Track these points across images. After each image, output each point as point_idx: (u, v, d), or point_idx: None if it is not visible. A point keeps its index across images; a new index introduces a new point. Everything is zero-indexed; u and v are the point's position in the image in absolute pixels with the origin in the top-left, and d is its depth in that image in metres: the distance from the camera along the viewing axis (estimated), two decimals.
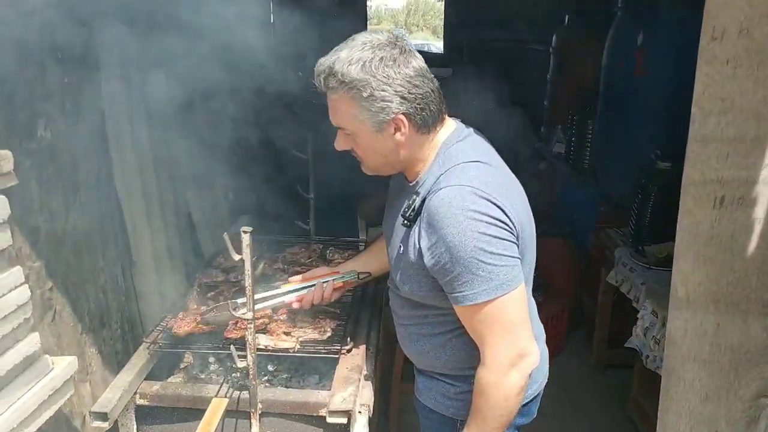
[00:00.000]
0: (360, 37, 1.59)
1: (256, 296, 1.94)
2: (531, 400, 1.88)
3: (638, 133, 3.74)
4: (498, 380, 1.59)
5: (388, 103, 1.56)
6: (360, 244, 3.08)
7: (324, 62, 1.58)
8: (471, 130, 1.77)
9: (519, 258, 1.60)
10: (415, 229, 1.63)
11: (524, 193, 1.75)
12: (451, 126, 1.73)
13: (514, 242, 1.59)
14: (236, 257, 1.69)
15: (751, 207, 1.53)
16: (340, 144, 1.70)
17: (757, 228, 1.55)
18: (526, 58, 7.07)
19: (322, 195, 3.08)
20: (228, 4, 3.51)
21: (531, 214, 1.74)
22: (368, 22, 9.79)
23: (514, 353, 1.59)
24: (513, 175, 1.75)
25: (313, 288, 2.10)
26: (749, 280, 1.58)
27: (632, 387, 3.56)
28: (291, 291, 2.12)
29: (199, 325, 2.16)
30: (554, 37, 5.51)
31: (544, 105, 5.90)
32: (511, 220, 1.57)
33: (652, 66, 3.56)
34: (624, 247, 3.51)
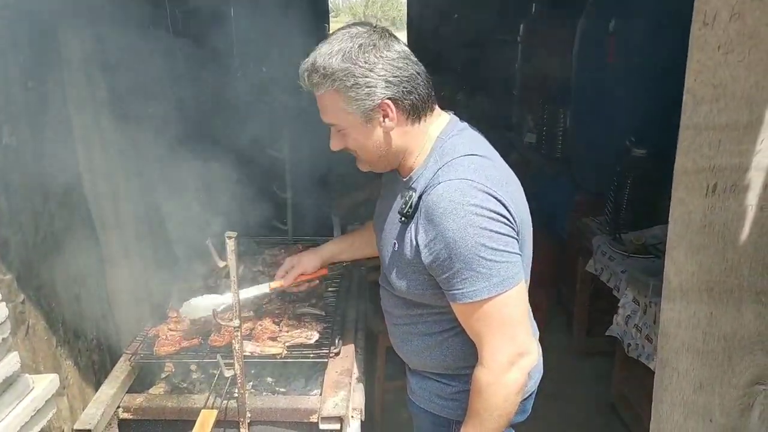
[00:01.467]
0: (339, 31, 1.59)
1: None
2: (526, 398, 1.85)
3: (611, 120, 3.74)
4: (497, 380, 1.56)
5: (373, 89, 1.54)
6: None
7: (307, 60, 1.58)
8: (466, 123, 1.73)
9: (519, 254, 1.58)
10: (412, 225, 1.59)
11: (521, 187, 1.72)
12: (444, 119, 1.70)
13: (514, 238, 1.56)
14: (221, 264, 1.63)
15: (743, 194, 1.53)
16: (335, 143, 1.67)
17: (750, 215, 1.55)
18: (493, 48, 7.05)
19: (297, 194, 3.03)
20: None
21: (528, 208, 1.71)
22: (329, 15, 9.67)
23: (514, 352, 1.56)
24: (510, 170, 1.72)
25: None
26: (742, 268, 1.59)
27: (614, 375, 3.58)
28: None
29: (180, 343, 2.09)
30: (522, 27, 5.50)
31: (512, 95, 5.89)
32: (512, 215, 1.54)
33: (624, 53, 3.56)
34: (602, 236, 3.52)
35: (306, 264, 2.16)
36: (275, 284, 2.12)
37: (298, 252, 2.74)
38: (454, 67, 7.71)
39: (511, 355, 1.56)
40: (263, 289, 2.11)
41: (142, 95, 2.82)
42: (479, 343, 1.59)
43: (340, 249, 2.19)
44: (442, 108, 1.74)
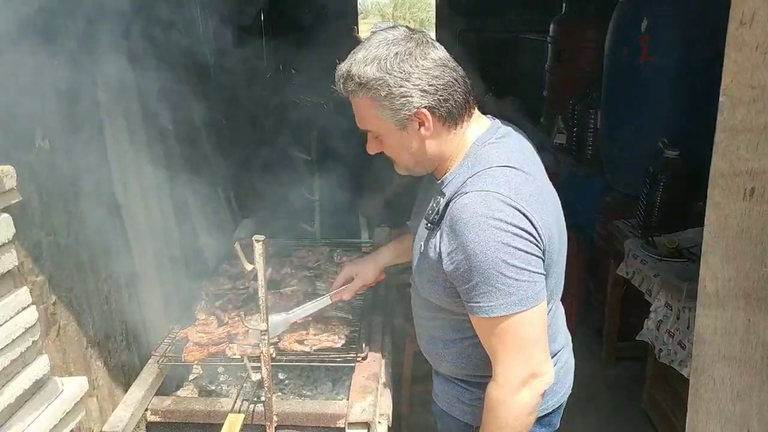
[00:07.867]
0: (376, 36, 1.56)
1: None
2: (553, 411, 1.81)
3: (644, 121, 3.67)
4: (507, 399, 1.53)
5: (408, 99, 1.51)
6: (364, 244, 3.02)
7: (342, 66, 1.56)
8: (509, 129, 1.69)
9: (543, 274, 1.53)
10: (437, 231, 1.56)
11: (558, 202, 1.68)
12: (484, 124, 1.66)
13: (539, 257, 1.51)
14: (248, 267, 1.63)
15: None
16: (371, 148, 1.66)
17: None
18: (522, 47, 7.00)
19: (324, 196, 3.02)
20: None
21: (563, 224, 1.67)
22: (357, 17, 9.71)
23: (527, 373, 1.52)
24: (548, 183, 1.68)
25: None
26: None
27: (645, 380, 3.52)
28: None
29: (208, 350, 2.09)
30: (552, 26, 5.43)
31: (542, 95, 5.83)
32: (538, 233, 1.49)
33: (657, 52, 3.49)
34: (634, 239, 3.45)
35: (367, 275, 2.11)
36: (336, 297, 2.09)
37: (324, 252, 2.76)
38: (483, 68, 7.68)
39: (524, 376, 1.52)
40: (324, 302, 2.09)
41: (174, 99, 2.84)
42: (493, 358, 1.56)
43: (396, 254, 2.14)
44: (485, 113, 1.71)
